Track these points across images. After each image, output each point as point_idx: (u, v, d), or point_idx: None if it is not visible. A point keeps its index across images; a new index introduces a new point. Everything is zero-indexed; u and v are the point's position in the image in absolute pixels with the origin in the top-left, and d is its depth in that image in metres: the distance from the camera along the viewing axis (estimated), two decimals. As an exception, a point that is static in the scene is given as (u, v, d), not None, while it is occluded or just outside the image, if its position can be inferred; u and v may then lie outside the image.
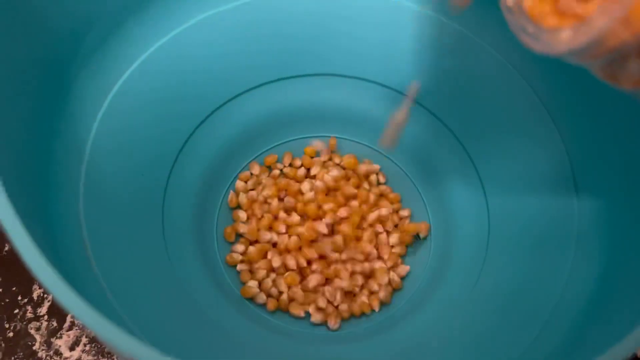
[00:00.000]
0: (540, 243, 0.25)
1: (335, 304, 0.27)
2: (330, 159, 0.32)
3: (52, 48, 0.22)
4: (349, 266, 0.28)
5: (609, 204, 0.23)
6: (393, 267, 0.29)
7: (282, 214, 0.29)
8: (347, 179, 0.31)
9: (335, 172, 0.30)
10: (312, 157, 0.32)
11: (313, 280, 0.27)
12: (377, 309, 0.28)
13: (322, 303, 0.27)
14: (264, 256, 0.29)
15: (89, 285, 0.20)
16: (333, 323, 0.27)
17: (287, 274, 0.28)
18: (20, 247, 0.15)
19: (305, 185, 0.30)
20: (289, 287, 0.28)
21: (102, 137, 0.24)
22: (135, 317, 0.21)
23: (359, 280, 0.28)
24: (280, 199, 0.30)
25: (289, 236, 0.29)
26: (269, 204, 0.30)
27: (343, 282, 0.27)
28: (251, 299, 0.28)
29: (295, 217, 0.29)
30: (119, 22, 0.24)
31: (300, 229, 0.28)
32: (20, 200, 0.18)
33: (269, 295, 0.28)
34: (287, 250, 0.28)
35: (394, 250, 0.29)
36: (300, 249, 0.28)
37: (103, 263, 0.22)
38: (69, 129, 0.23)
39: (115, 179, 0.25)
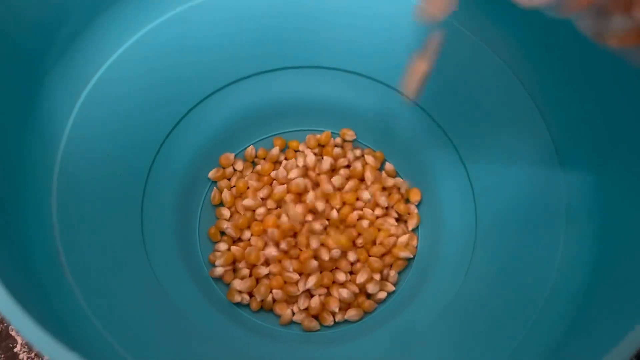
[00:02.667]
0: (529, 226, 0.24)
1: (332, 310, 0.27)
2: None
3: (23, 44, 0.21)
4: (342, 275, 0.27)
5: (596, 180, 0.22)
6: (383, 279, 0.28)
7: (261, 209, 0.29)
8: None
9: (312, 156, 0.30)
10: (295, 151, 0.31)
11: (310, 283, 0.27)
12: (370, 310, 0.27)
13: (303, 304, 0.27)
14: (248, 254, 0.28)
15: (61, 296, 0.20)
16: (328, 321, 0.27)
17: (272, 277, 0.27)
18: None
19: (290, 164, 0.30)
20: (272, 289, 0.27)
21: (77, 136, 0.23)
22: (111, 326, 0.21)
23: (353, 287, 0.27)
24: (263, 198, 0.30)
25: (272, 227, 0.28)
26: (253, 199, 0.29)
27: (344, 293, 0.27)
28: (236, 302, 0.27)
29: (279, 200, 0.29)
30: (92, 16, 0.23)
31: (284, 219, 0.28)
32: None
33: (252, 296, 0.27)
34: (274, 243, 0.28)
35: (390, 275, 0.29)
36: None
37: (77, 269, 0.21)
38: (41, 127, 0.22)
39: (91, 180, 0.24)
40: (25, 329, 0.14)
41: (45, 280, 0.20)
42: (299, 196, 0.29)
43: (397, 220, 0.29)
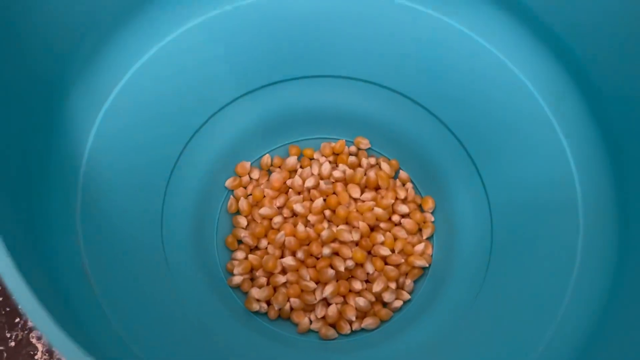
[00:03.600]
0: (546, 234, 0.24)
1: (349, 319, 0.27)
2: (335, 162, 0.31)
3: (43, 65, 0.21)
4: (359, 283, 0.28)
5: (612, 187, 0.22)
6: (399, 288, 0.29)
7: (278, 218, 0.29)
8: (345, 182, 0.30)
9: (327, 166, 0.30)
10: (310, 159, 0.31)
11: (327, 291, 0.27)
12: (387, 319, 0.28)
13: (320, 313, 0.27)
14: (266, 262, 0.28)
15: (86, 303, 0.20)
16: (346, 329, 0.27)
17: (289, 286, 0.28)
18: (9, 282, 0.14)
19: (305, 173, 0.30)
20: (290, 297, 0.27)
21: (98, 151, 0.24)
22: (133, 334, 0.21)
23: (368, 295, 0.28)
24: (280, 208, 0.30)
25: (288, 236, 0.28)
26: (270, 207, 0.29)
27: (360, 301, 0.27)
28: (254, 310, 0.27)
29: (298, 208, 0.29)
30: (109, 33, 0.23)
31: (301, 229, 0.28)
32: (12, 225, 0.18)
33: (270, 304, 0.28)
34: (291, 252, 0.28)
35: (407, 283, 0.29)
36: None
37: (100, 277, 0.22)
38: (63, 145, 0.22)
39: (113, 191, 0.24)
40: (50, 333, 0.14)
41: (70, 289, 0.20)
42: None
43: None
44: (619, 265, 0.21)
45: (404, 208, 0.29)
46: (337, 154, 0.31)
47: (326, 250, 0.27)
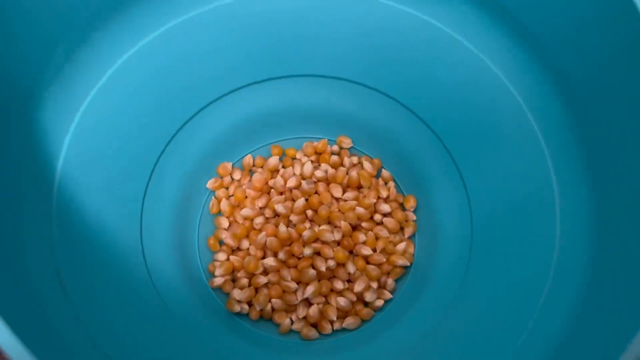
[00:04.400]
0: (525, 231, 0.25)
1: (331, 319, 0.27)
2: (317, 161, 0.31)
3: (18, 68, 0.21)
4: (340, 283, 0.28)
5: (589, 185, 0.22)
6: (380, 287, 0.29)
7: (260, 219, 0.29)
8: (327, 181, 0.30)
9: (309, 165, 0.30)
10: (293, 159, 0.31)
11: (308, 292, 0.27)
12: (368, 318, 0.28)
13: (302, 313, 0.27)
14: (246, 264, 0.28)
15: (60, 309, 0.20)
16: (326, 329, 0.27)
17: (271, 286, 0.28)
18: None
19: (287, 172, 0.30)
20: (271, 298, 0.27)
21: (74, 153, 0.23)
22: (111, 341, 0.21)
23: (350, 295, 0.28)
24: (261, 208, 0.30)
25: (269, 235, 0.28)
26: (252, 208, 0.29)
27: (341, 301, 0.27)
28: (236, 312, 0.27)
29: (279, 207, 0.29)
30: (85, 35, 0.23)
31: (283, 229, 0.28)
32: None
33: (251, 305, 0.28)
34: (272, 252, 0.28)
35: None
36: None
37: (77, 285, 0.22)
38: (39, 149, 0.22)
39: (90, 194, 0.24)
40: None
41: (45, 295, 0.20)
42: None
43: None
44: (594, 264, 0.21)
45: (385, 207, 0.29)
46: (320, 154, 0.31)
47: (307, 251, 0.27)
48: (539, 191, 0.24)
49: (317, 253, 0.28)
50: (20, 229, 0.21)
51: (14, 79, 0.21)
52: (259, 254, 0.28)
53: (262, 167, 0.31)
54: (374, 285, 0.28)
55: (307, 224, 0.29)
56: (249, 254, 0.29)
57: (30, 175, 0.22)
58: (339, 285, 0.28)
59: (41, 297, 0.20)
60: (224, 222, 0.30)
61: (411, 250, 0.29)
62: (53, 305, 0.20)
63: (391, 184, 0.31)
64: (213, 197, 0.30)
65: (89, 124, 0.24)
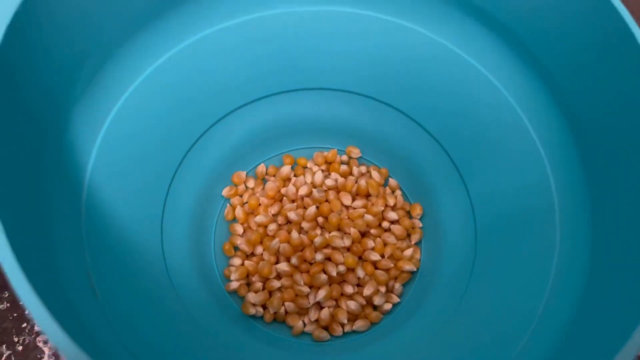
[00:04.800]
0: (526, 239, 0.26)
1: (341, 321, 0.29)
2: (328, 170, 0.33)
3: (51, 84, 0.22)
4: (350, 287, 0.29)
5: (587, 194, 0.24)
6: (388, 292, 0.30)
7: (274, 226, 0.31)
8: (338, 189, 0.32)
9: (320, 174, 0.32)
10: (304, 168, 0.33)
11: (320, 295, 0.28)
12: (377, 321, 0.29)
13: (313, 316, 0.28)
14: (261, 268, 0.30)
15: (91, 311, 0.21)
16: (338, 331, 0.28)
17: (284, 291, 0.29)
18: (18, 288, 0.15)
19: (299, 181, 0.32)
20: (284, 301, 0.29)
21: (101, 164, 0.25)
22: (135, 338, 0.22)
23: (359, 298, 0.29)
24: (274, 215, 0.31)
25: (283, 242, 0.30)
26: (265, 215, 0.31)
27: (351, 304, 0.28)
28: (251, 314, 0.29)
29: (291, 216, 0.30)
30: (110, 52, 0.25)
31: (295, 235, 0.29)
32: (20, 236, 0.19)
33: (265, 308, 0.29)
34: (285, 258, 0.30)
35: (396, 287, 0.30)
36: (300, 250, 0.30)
37: (104, 286, 0.23)
38: (68, 160, 0.24)
39: (116, 202, 0.25)
40: (52, 333, 0.15)
41: (76, 295, 0.21)
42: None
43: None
44: (593, 266, 0.23)
45: (393, 215, 0.31)
46: (330, 163, 0.33)
47: (319, 256, 0.29)
48: (538, 199, 0.26)
49: (328, 258, 0.29)
50: (53, 235, 0.22)
51: (47, 94, 0.23)
52: (273, 259, 0.30)
53: (274, 175, 0.33)
54: (382, 289, 0.29)
55: (318, 231, 0.30)
56: (263, 259, 0.30)
57: (62, 184, 0.23)
58: (348, 289, 0.29)
59: (75, 299, 0.21)
60: (239, 229, 0.31)
61: (418, 256, 0.30)
62: (85, 308, 0.21)
63: (398, 192, 0.32)
64: (228, 205, 0.32)
65: (114, 137, 0.26)
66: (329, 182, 0.31)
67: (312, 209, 0.30)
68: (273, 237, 0.30)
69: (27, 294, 0.16)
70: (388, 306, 0.29)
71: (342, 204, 0.31)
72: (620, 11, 0.20)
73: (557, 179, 0.25)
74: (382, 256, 0.30)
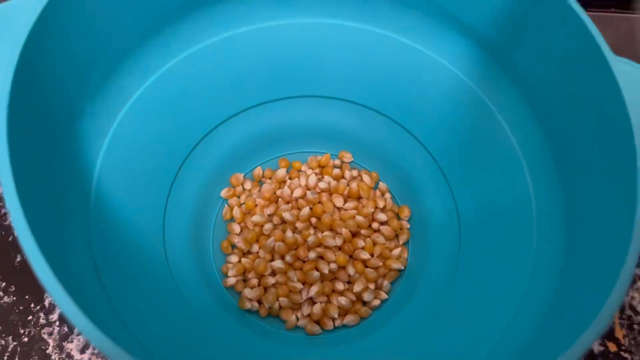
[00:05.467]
0: (506, 239, 0.27)
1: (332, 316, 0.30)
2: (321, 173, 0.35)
3: (65, 86, 0.24)
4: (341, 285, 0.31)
5: (562, 199, 0.25)
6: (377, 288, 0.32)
7: (269, 225, 0.32)
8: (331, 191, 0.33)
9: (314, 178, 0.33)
10: (298, 171, 0.34)
11: (312, 292, 0.30)
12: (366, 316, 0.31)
13: (306, 311, 0.30)
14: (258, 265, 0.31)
15: (98, 301, 0.23)
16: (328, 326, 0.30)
17: (278, 286, 0.31)
18: (38, 270, 0.17)
19: (294, 183, 0.33)
20: (279, 297, 0.30)
21: (108, 163, 0.26)
22: (139, 328, 0.24)
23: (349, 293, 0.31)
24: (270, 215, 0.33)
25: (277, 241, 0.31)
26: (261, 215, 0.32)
27: (342, 300, 0.30)
28: (247, 309, 0.30)
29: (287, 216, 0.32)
30: (117, 62, 0.26)
31: (289, 235, 0.31)
32: (37, 227, 0.20)
33: (261, 303, 0.30)
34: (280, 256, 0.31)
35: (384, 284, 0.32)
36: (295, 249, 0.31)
37: (111, 282, 0.24)
38: (78, 160, 0.25)
39: (121, 201, 0.27)
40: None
41: (85, 287, 0.23)
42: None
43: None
44: (566, 260, 0.24)
45: (382, 216, 0.32)
46: (323, 167, 0.34)
47: (312, 254, 0.30)
48: (518, 201, 0.27)
49: (321, 257, 0.31)
50: (63, 230, 0.24)
51: (61, 95, 0.24)
52: (268, 257, 0.31)
53: (270, 178, 0.34)
54: (372, 286, 0.31)
55: (312, 231, 0.32)
56: (259, 257, 0.32)
57: (72, 182, 0.25)
58: (340, 286, 0.31)
59: (84, 290, 0.22)
60: (236, 228, 0.33)
61: (405, 255, 0.32)
62: (93, 299, 0.23)
63: (387, 195, 0.34)
64: (226, 205, 0.33)
65: (121, 138, 0.27)
66: (322, 184, 0.33)
67: (305, 210, 0.32)
68: (268, 236, 0.32)
69: (54, 286, 0.17)
70: (377, 302, 0.31)
71: (335, 206, 0.33)
72: (587, 24, 0.21)
73: (536, 184, 0.27)
74: (372, 255, 0.32)
